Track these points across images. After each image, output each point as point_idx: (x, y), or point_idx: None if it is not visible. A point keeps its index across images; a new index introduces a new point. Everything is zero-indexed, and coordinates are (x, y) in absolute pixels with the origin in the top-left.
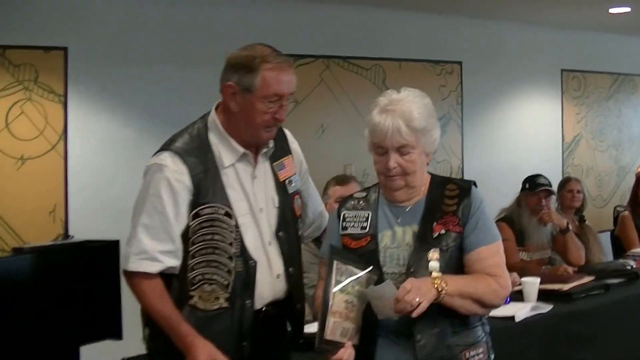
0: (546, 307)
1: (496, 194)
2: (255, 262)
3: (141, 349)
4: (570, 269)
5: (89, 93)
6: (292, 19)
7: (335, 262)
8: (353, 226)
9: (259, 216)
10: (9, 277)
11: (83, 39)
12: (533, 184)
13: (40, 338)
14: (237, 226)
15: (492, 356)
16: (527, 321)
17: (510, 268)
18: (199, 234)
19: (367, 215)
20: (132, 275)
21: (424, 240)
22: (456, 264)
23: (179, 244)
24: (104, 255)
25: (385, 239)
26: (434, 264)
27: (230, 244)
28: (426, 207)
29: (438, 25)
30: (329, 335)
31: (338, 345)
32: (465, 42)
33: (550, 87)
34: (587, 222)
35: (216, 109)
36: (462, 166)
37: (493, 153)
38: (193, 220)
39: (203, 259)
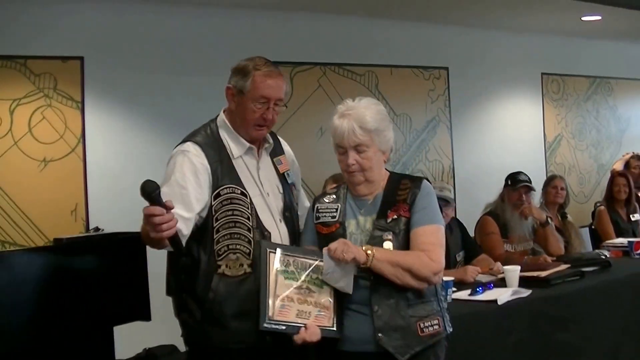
0: (526, 292)
1: (484, 190)
2: (269, 233)
3: (165, 332)
4: (549, 259)
5: (104, 99)
6: (291, 30)
7: (269, 252)
8: (325, 216)
9: (267, 199)
10: (50, 265)
11: (97, 49)
12: (514, 181)
13: (79, 319)
14: (251, 203)
15: (450, 329)
16: (508, 304)
17: (496, 258)
18: (221, 211)
19: (336, 207)
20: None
21: (380, 225)
22: (408, 245)
23: (193, 216)
24: (133, 245)
25: (351, 226)
26: (387, 244)
27: (248, 218)
28: (383, 198)
29: (426, 34)
30: (277, 315)
31: (295, 327)
32: (451, 49)
33: (531, 90)
34: (569, 218)
35: (224, 111)
36: (453, 165)
37: (481, 153)
38: (214, 200)
39: (226, 232)
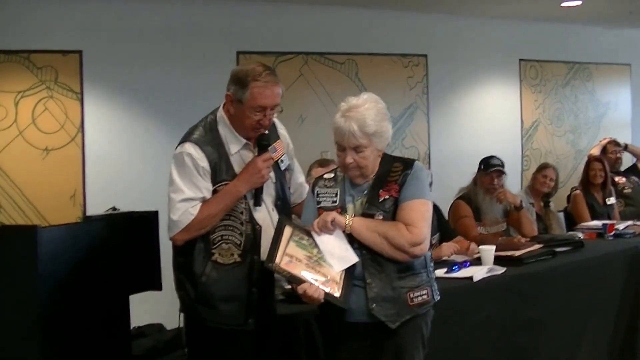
0: (500, 270)
1: (459, 175)
2: (260, 227)
3: (168, 302)
4: (523, 239)
5: (102, 91)
6: (274, 20)
7: (284, 224)
8: (325, 200)
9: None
10: (79, 239)
11: (95, 43)
12: (487, 165)
13: (98, 288)
14: (245, 198)
15: (438, 297)
16: (483, 281)
17: (470, 241)
18: None
19: (336, 192)
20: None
21: (371, 204)
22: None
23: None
24: (147, 222)
25: (350, 210)
26: None
27: (242, 212)
28: (375, 179)
29: (405, 22)
30: (283, 265)
31: (299, 279)
32: (430, 36)
33: (509, 76)
34: (551, 207)
35: (223, 106)
36: (429, 152)
37: (457, 139)
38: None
39: (221, 224)
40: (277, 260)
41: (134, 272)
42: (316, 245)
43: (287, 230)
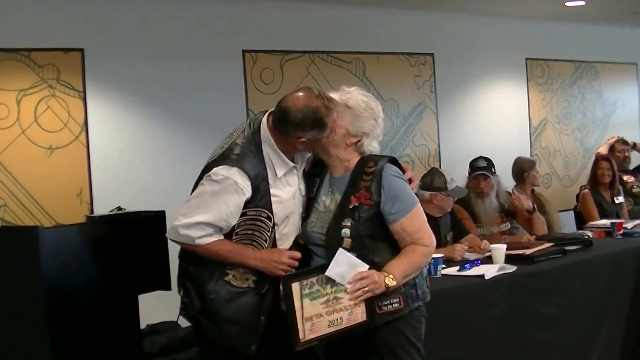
0: (511, 268)
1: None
2: None
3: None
4: (532, 238)
5: (104, 89)
6: (281, 19)
7: (290, 285)
8: (308, 189)
9: (297, 205)
10: (83, 240)
11: (97, 41)
12: (472, 169)
13: (107, 288)
14: (273, 226)
15: (415, 304)
16: (495, 279)
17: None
18: (241, 228)
19: (316, 181)
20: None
21: (342, 210)
22: (368, 231)
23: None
24: (154, 222)
25: (320, 205)
26: (345, 231)
27: (265, 240)
28: (349, 181)
29: (412, 20)
30: (308, 335)
31: (329, 338)
32: (436, 35)
33: (516, 74)
34: (536, 190)
35: (268, 127)
36: (439, 150)
37: (467, 137)
38: (240, 217)
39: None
40: (301, 335)
41: (141, 272)
42: (329, 281)
43: (295, 289)
